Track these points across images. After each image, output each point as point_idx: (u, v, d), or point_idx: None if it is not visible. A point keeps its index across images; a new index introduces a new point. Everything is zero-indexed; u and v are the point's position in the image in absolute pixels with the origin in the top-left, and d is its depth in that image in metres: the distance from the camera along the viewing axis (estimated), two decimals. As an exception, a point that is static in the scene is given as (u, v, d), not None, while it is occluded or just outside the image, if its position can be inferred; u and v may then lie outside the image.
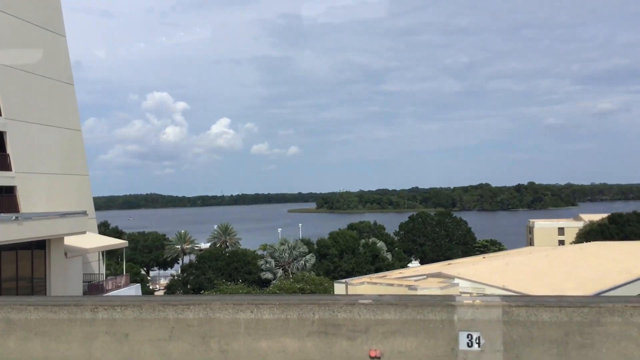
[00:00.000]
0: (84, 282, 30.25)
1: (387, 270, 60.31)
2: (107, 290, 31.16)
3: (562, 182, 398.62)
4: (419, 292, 38.83)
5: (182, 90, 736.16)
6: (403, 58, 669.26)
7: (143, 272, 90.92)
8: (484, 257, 61.35)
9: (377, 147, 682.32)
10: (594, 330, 3.60)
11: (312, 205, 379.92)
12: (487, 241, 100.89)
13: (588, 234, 78.65)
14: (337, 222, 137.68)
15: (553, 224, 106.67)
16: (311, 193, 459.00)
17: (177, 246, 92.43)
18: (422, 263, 79.98)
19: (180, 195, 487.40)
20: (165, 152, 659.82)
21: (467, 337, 3.71)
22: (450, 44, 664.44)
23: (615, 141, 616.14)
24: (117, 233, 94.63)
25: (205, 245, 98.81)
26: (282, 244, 59.53)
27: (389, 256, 71.10)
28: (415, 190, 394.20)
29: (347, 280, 42.96)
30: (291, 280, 53.50)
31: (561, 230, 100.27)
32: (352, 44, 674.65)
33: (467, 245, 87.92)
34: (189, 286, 57.39)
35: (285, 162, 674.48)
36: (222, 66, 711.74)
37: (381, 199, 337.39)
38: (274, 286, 51.30)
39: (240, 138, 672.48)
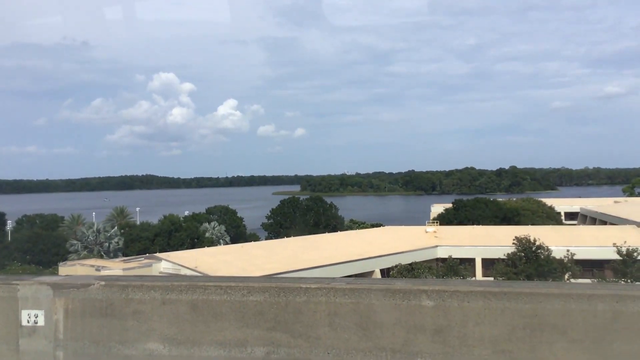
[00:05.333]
0: None
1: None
2: None
3: (558, 166, 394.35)
4: (102, 273, 41.82)
5: (188, 71, 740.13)
6: (410, 39, 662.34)
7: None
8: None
9: (381, 129, 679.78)
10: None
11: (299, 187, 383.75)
12: (373, 224, 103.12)
13: (436, 219, 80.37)
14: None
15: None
16: (308, 175, 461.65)
17: (70, 229, 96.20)
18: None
19: (176, 176, 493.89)
20: (172, 133, 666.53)
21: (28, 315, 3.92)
22: (457, 25, 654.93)
23: (618, 125, 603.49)
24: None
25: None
26: (89, 227, 62.69)
27: (228, 239, 74.21)
28: (410, 173, 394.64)
29: (63, 262, 46.30)
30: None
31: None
32: (359, 24, 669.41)
33: (335, 228, 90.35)
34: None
35: (291, 144, 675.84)
36: (227, 47, 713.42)
37: (362, 182, 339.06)
38: (54, 268, 54.65)
39: (247, 119, 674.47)
